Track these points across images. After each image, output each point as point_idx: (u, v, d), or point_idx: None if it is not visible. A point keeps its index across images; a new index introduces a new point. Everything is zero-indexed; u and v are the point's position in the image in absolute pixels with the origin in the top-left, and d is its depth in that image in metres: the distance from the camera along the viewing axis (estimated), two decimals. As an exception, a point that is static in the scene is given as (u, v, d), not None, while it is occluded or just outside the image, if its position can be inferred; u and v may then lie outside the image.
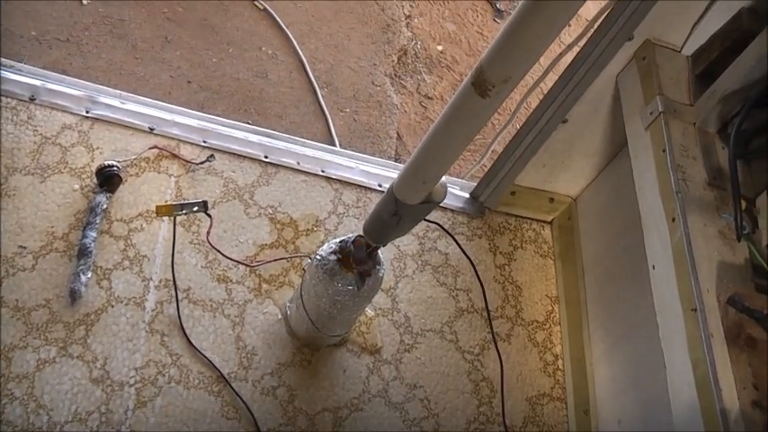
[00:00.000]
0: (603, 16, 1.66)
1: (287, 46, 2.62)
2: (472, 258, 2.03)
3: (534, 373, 1.98)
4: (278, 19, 2.66)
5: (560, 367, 2.01)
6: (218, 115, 2.15)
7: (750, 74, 1.43)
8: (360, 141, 2.50)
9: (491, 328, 1.98)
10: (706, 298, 1.30)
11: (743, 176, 1.42)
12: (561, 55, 1.77)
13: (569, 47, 1.75)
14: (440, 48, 2.88)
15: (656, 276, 1.43)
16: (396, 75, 2.73)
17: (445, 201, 2.09)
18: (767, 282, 1.35)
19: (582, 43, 1.74)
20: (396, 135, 2.56)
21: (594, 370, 1.92)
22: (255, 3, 2.67)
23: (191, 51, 2.49)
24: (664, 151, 1.46)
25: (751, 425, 1.20)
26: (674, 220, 1.39)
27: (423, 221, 1.49)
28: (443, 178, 1.32)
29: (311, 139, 2.20)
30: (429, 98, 2.71)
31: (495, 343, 1.96)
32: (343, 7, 2.81)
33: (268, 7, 2.67)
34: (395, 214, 1.36)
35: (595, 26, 1.69)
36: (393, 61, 2.75)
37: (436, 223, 2.05)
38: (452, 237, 2.04)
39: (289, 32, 2.64)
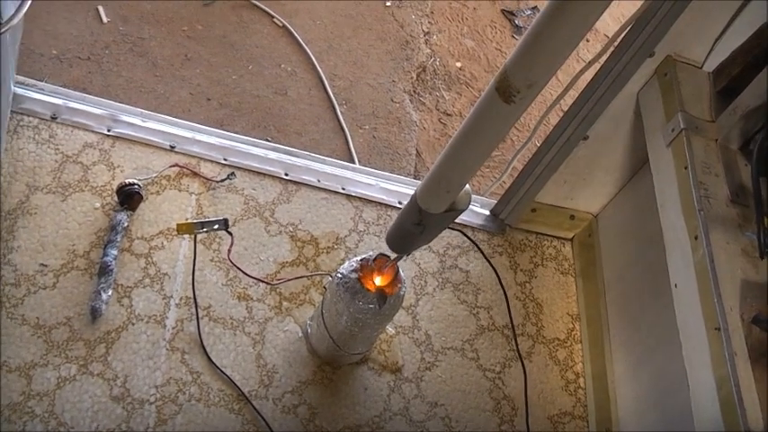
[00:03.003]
0: (625, 32, 1.65)
1: (306, 63, 2.63)
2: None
3: (556, 392, 1.97)
4: (297, 36, 2.67)
5: (582, 386, 2.00)
6: (237, 132, 2.16)
7: (772, 90, 1.43)
8: (379, 158, 2.50)
9: (515, 340, 1.98)
10: (729, 316, 1.29)
11: (766, 193, 1.41)
12: (582, 71, 1.77)
13: (590, 63, 1.75)
14: (459, 64, 2.88)
15: (678, 294, 1.42)
16: (415, 91, 2.73)
17: (466, 218, 2.11)
18: (791, 300, 1.34)
19: (603, 60, 1.74)
20: (415, 152, 2.56)
21: (617, 388, 1.91)
22: (275, 20, 2.69)
23: (210, 69, 2.50)
24: (686, 168, 1.45)
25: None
26: (696, 237, 1.38)
27: (447, 228, 1.47)
28: (467, 185, 1.30)
29: (330, 156, 2.20)
30: (448, 115, 2.71)
31: (521, 357, 1.95)
32: (362, 24, 2.82)
33: (287, 24, 2.68)
34: (419, 224, 1.34)
35: (616, 42, 1.69)
36: (412, 78, 2.76)
37: (460, 231, 2.03)
38: (475, 244, 2.03)
39: (308, 49, 2.65)
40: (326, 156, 2.18)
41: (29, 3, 1.33)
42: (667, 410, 1.69)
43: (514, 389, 1.92)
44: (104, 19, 2.48)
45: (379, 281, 1.54)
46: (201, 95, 2.43)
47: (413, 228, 1.36)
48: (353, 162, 2.39)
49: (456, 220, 1.40)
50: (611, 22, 3.11)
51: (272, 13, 2.70)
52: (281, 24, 2.69)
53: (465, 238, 2.08)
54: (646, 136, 1.65)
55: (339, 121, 2.53)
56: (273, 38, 2.66)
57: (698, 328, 1.33)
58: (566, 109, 1.88)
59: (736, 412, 1.21)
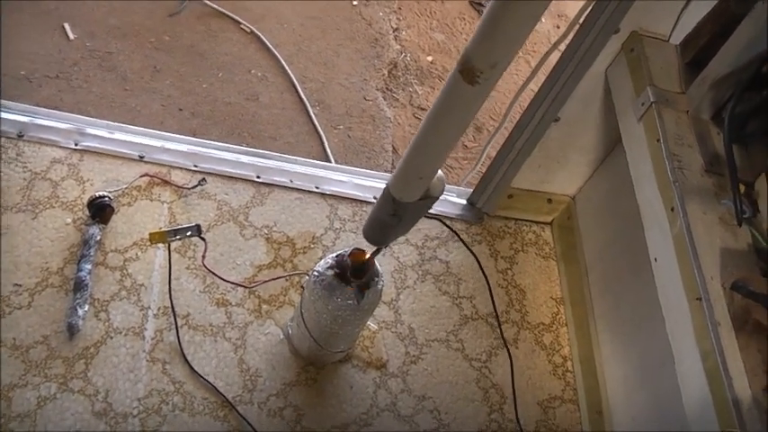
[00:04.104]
0: (588, 10, 1.64)
1: (276, 67, 2.62)
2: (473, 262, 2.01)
3: (544, 377, 1.95)
4: (265, 41, 2.65)
5: (570, 369, 1.98)
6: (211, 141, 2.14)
7: (740, 57, 1.42)
8: (355, 157, 2.48)
9: (500, 327, 1.96)
10: (710, 286, 1.27)
11: (740, 160, 1.40)
12: (548, 54, 1.75)
13: (555, 45, 1.74)
14: (430, 58, 2.87)
15: (658, 268, 1.41)
16: (387, 88, 2.71)
17: (443, 209, 2.10)
18: (771, 265, 1.33)
19: (568, 40, 1.73)
20: (391, 148, 2.55)
21: (605, 369, 1.90)
22: (242, 26, 2.67)
23: (180, 79, 2.48)
24: (658, 141, 1.44)
25: (764, 411, 1.18)
26: (672, 209, 1.37)
27: (424, 217, 1.45)
28: (440, 172, 1.29)
29: (306, 158, 2.18)
30: (422, 109, 2.69)
31: (506, 343, 1.94)
32: (330, 25, 2.81)
33: (255, 30, 2.66)
34: (394, 214, 1.33)
35: (581, 21, 1.67)
36: (384, 75, 2.74)
37: (438, 219, 2.02)
38: (455, 232, 2.01)
39: (277, 53, 2.63)
40: (303, 158, 2.16)
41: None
42: (656, 388, 1.68)
43: (502, 377, 1.91)
44: (71, 36, 2.46)
45: (355, 274, 1.52)
46: (173, 106, 2.41)
47: (389, 219, 1.34)
48: (330, 162, 2.37)
49: (432, 212, 1.38)
50: (575, 2, 3.10)
51: (239, 19, 2.68)
52: (248, 30, 2.67)
53: (443, 229, 2.06)
54: (617, 113, 1.64)
55: (313, 122, 2.52)
56: (242, 44, 2.64)
57: (679, 300, 1.31)
58: (536, 92, 1.86)
59: (723, 382, 1.20)
